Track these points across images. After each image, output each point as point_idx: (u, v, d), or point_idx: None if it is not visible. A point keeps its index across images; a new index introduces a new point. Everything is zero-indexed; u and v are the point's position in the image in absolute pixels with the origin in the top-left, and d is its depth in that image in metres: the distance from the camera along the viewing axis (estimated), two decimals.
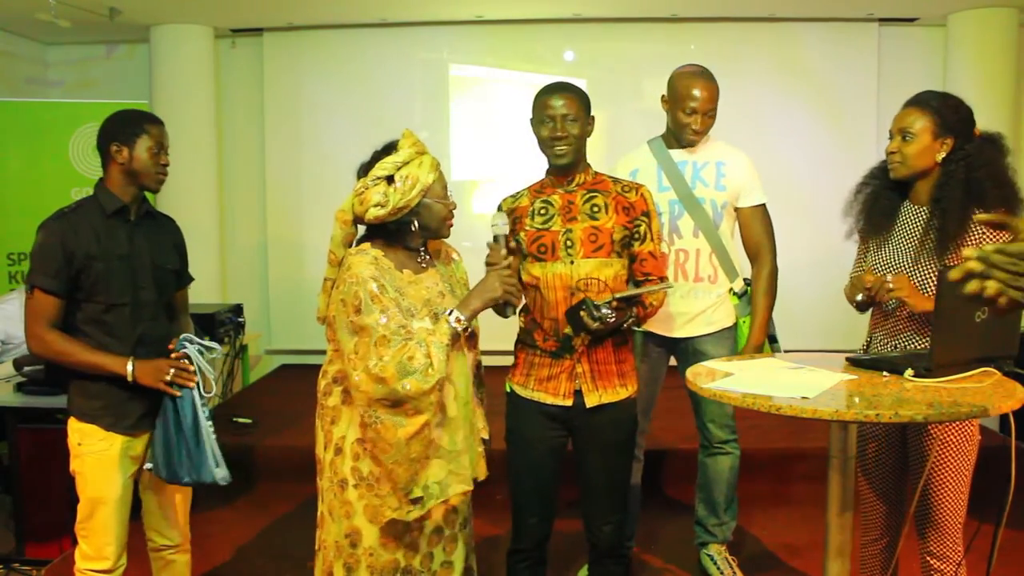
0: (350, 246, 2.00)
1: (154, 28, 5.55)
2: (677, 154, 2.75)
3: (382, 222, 1.93)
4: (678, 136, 2.73)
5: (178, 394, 2.14)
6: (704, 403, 2.87)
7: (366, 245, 1.95)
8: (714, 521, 2.97)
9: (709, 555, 2.98)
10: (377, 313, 1.82)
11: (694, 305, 2.75)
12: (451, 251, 2.16)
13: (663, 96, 2.76)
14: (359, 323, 1.83)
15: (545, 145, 2.20)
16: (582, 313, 2.05)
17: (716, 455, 2.94)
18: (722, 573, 2.92)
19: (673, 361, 2.90)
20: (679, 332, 2.77)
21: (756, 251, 2.80)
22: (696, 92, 2.64)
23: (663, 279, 2.25)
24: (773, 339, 2.88)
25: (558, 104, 2.17)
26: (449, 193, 2.00)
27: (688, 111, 2.65)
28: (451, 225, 2.00)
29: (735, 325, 2.82)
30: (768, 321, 2.80)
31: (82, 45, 6.01)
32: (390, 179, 1.90)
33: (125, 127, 2.19)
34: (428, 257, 2.03)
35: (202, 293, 5.14)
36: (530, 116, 2.25)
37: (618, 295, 2.10)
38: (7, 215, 4.93)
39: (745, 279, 2.86)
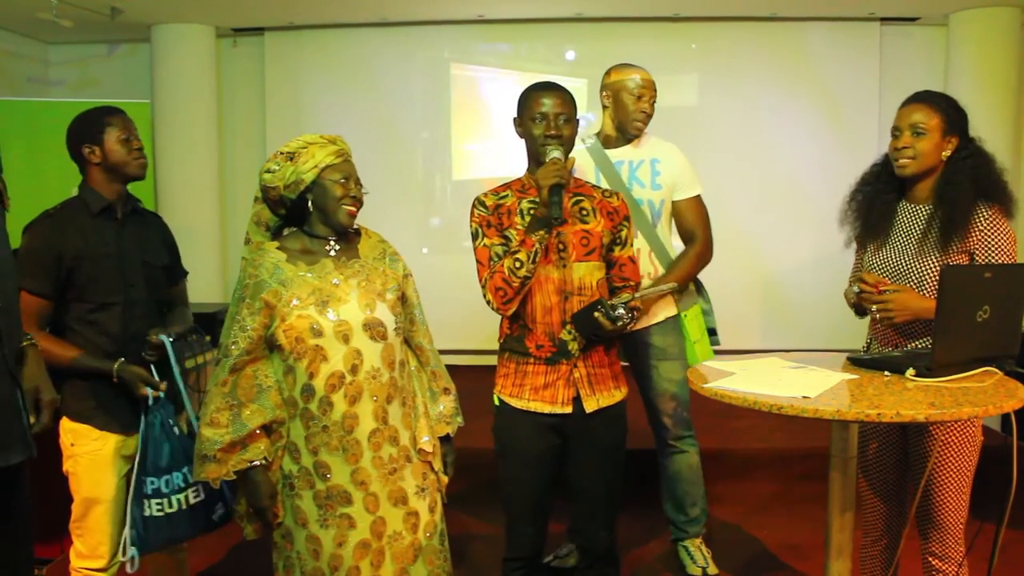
0: (268, 229, 2.02)
1: (155, 27, 5.56)
2: (613, 154, 2.83)
3: (279, 196, 1.95)
4: (624, 128, 2.81)
5: (155, 393, 2.13)
6: (657, 397, 2.89)
7: (270, 244, 1.95)
8: (683, 519, 2.97)
9: (684, 547, 3.00)
10: (231, 333, 1.89)
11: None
12: (391, 250, 2.07)
13: (604, 94, 2.85)
14: (230, 313, 1.92)
15: (537, 143, 2.15)
16: (597, 315, 2.01)
17: (673, 455, 2.93)
18: (695, 562, 2.93)
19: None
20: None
21: (690, 237, 2.85)
22: (640, 77, 2.78)
23: (638, 284, 2.25)
24: (712, 332, 2.92)
25: (552, 102, 2.13)
26: (362, 190, 1.95)
27: (638, 95, 2.76)
28: (350, 212, 1.93)
29: (677, 316, 2.86)
30: (681, 281, 2.77)
31: (84, 44, 6.02)
32: (292, 156, 1.92)
33: (89, 127, 2.20)
34: (336, 248, 1.97)
35: (202, 293, 5.15)
36: (515, 115, 2.22)
37: (637, 295, 2.09)
38: (8, 214, 4.92)
39: None
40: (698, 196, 2.86)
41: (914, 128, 2.07)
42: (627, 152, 2.83)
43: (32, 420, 1.66)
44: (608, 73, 2.85)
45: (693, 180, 2.85)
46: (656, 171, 2.79)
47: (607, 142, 2.86)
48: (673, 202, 2.83)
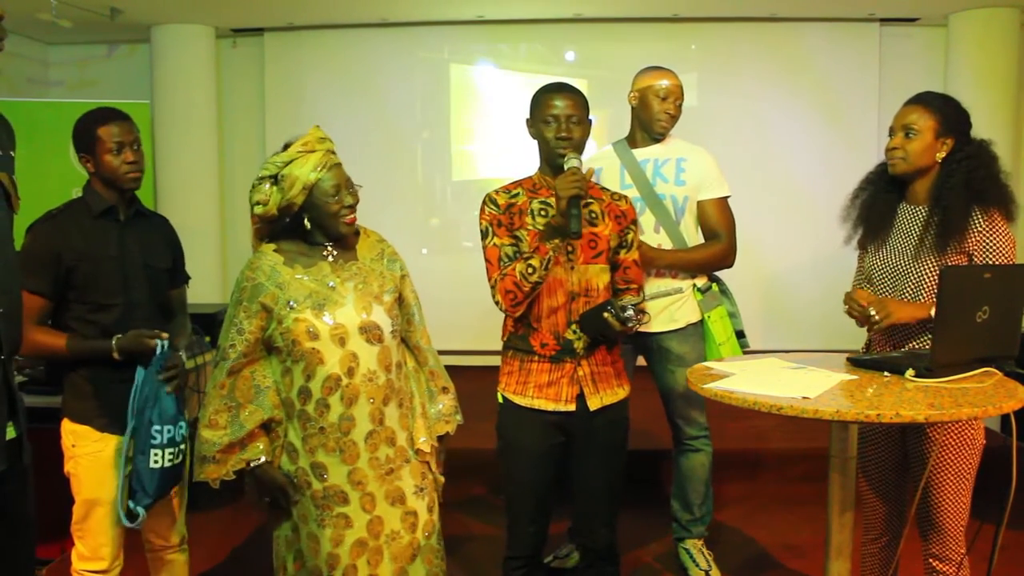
0: (265, 237, 2.00)
1: (155, 28, 5.56)
2: (640, 153, 2.84)
3: (274, 218, 1.93)
4: (649, 128, 2.82)
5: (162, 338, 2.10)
6: (673, 401, 2.89)
7: (268, 247, 1.95)
8: (688, 517, 2.98)
9: (686, 549, 2.99)
10: (228, 336, 1.91)
11: (656, 303, 2.76)
12: (389, 250, 2.06)
13: (632, 95, 2.85)
14: (228, 316, 1.93)
15: (549, 145, 2.16)
16: (606, 315, 2.02)
17: (688, 452, 2.95)
18: (697, 566, 2.93)
19: (641, 361, 2.92)
20: (643, 327, 2.69)
21: (713, 237, 2.84)
22: (667, 80, 2.79)
23: (641, 288, 2.26)
24: (741, 334, 2.91)
25: (563, 104, 2.14)
26: (356, 187, 1.94)
27: (663, 96, 2.76)
28: (348, 222, 1.92)
29: (701, 322, 2.84)
30: (688, 263, 2.78)
31: (83, 45, 6.02)
32: (276, 179, 1.88)
33: (82, 137, 2.18)
34: (334, 252, 1.96)
35: (202, 293, 5.13)
36: (527, 116, 2.23)
37: (648, 296, 2.10)
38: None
39: (710, 276, 2.89)
40: (724, 199, 2.85)
41: (906, 129, 2.08)
42: (654, 151, 2.84)
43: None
44: (637, 75, 2.87)
45: (720, 182, 2.84)
46: (681, 168, 2.80)
47: (634, 143, 2.87)
48: (698, 202, 2.82)
